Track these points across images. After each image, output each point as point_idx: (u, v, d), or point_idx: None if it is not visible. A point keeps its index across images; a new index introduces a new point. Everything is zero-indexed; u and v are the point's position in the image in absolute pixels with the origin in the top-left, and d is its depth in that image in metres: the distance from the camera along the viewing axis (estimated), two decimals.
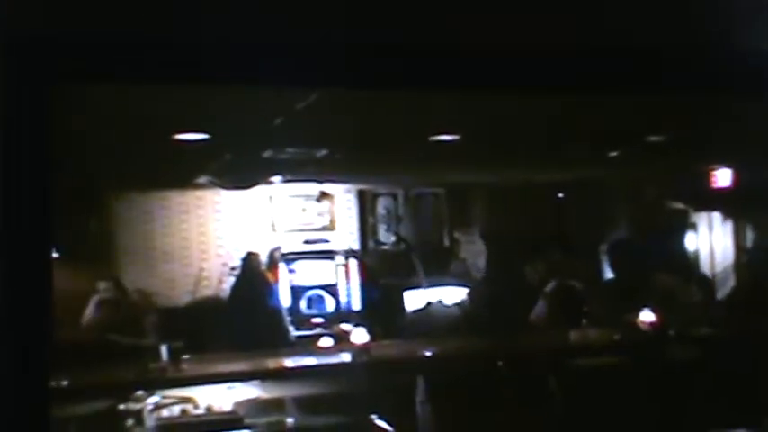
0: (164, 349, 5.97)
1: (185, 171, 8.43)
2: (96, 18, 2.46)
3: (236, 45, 2.56)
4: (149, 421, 5.54)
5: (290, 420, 5.93)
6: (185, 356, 6.10)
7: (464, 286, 9.80)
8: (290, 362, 6.98)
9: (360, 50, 2.59)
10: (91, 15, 2.45)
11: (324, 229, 10.86)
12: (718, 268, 10.02)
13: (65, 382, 5.47)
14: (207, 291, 10.12)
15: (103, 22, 2.47)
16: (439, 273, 10.34)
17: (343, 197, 11.06)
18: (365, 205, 11.17)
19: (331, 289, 10.30)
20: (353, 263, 10.43)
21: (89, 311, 7.71)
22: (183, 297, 10.04)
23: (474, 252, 10.60)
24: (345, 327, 9.37)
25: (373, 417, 5.61)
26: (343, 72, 2.66)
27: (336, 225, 10.98)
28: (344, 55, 2.58)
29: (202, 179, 8.89)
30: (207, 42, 2.55)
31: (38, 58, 2.41)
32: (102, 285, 8.10)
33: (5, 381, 2.33)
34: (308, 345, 8.69)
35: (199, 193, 10.15)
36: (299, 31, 2.57)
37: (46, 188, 2.42)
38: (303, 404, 6.05)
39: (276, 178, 9.37)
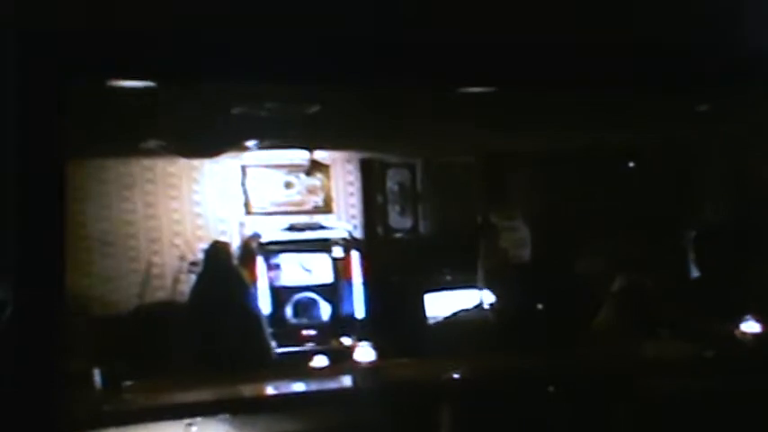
0: (97, 374, 5.85)
1: (126, 132, 8.30)
2: None
3: None
4: None
5: None
6: (127, 383, 6.04)
7: (502, 286, 9.72)
8: (271, 388, 6.98)
9: None
10: None
11: (316, 210, 10.95)
12: None
13: None
14: (159, 294, 10.24)
15: None
16: (469, 269, 10.29)
17: (342, 168, 11.04)
18: (371, 179, 11.13)
19: (326, 291, 10.40)
20: (356, 256, 10.51)
21: None
22: (125, 302, 10.13)
23: (516, 241, 10.55)
24: (345, 341, 9.37)
25: None
26: None
27: (333, 206, 11.02)
28: None
29: (150, 143, 8.80)
30: None
31: None
32: None
33: None
34: (295, 365, 8.78)
35: (146, 162, 10.12)
36: None
37: None
38: None
39: (251, 142, 9.28)
